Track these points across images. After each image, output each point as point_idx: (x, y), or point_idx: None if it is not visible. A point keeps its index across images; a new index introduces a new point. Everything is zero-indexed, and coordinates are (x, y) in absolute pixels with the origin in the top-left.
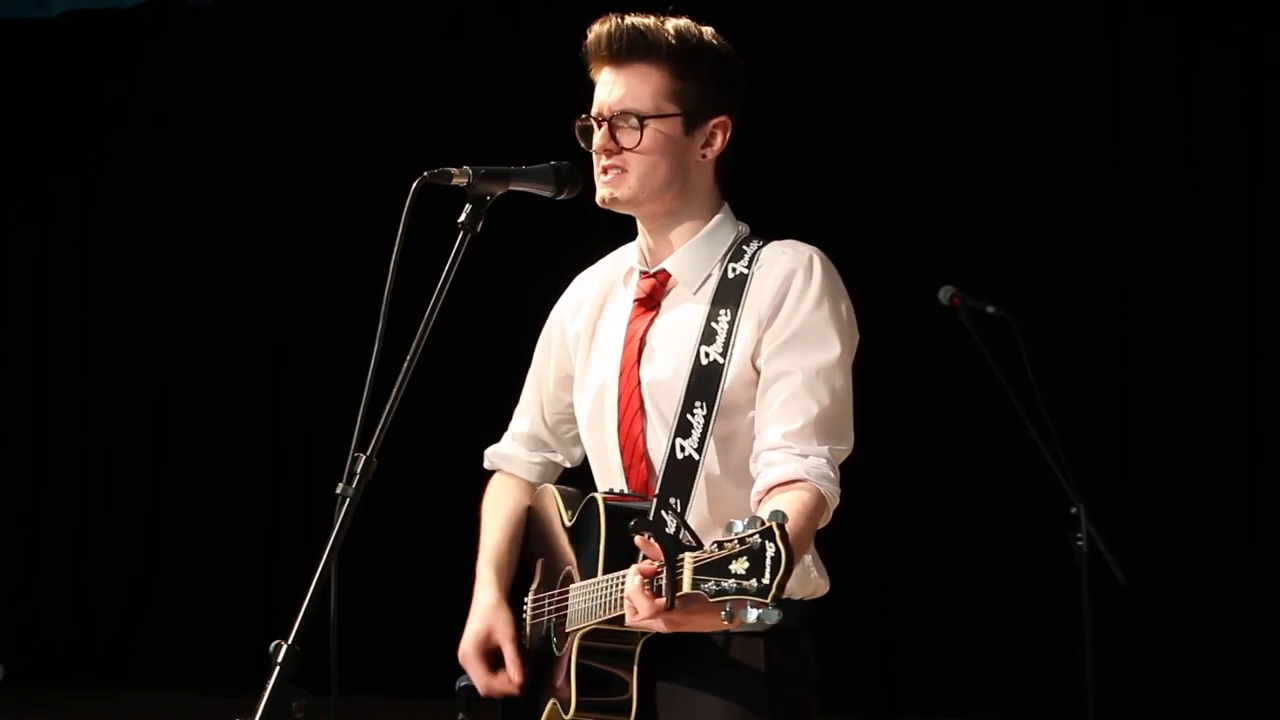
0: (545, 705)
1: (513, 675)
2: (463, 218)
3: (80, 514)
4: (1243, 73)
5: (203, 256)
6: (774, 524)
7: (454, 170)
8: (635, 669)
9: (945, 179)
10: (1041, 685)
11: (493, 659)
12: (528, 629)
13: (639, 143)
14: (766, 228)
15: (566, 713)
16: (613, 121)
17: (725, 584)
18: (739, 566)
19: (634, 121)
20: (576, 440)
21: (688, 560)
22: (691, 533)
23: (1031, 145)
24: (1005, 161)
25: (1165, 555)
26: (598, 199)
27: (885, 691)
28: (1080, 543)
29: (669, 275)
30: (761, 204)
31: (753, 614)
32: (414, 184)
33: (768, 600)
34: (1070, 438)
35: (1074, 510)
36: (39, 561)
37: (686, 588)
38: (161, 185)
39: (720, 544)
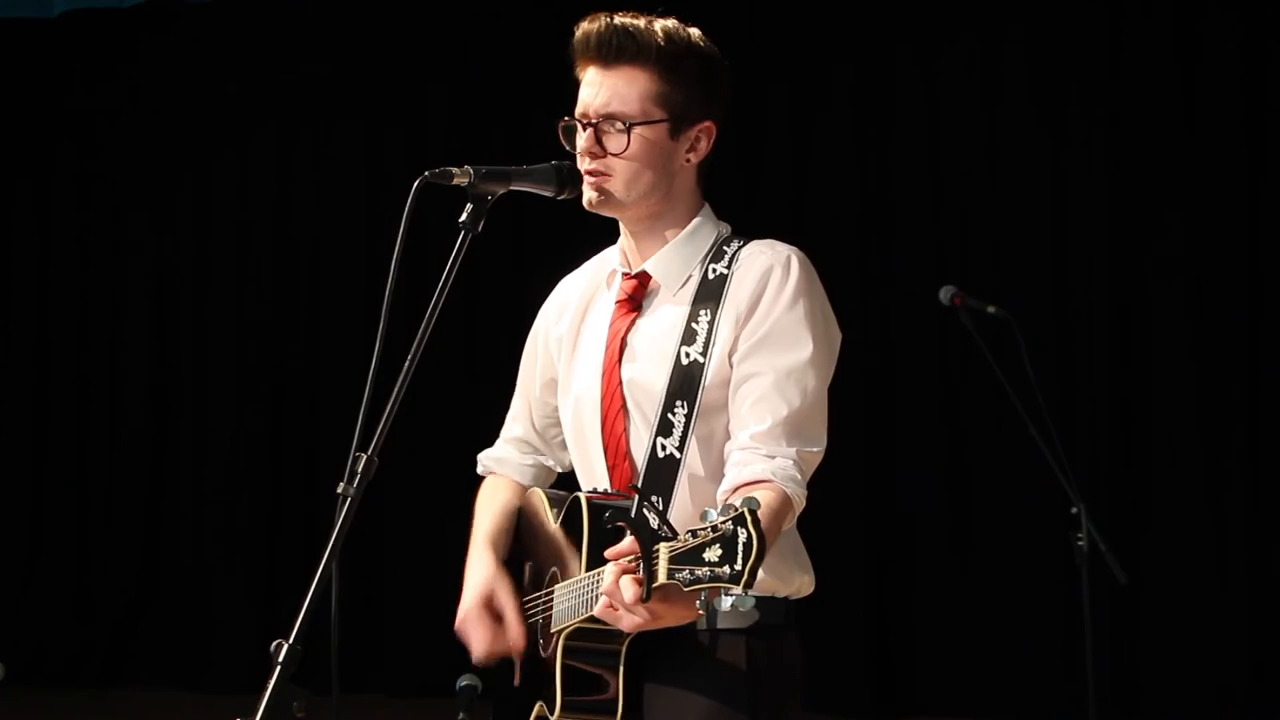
0: (533, 707)
1: (514, 634)
2: (464, 217)
3: (80, 514)
4: (1244, 76)
5: (203, 256)
6: (745, 510)
7: (455, 170)
8: (621, 668)
9: (945, 179)
10: (1041, 685)
11: (495, 622)
12: None
13: (625, 148)
14: (766, 228)
15: (552, 713)
16: (598, 125)
17: (699, 572)
18: (712, 554)
19: (620, 125)
20: (565, 445)
21: (663, 550)
22: (669, 526)
23: (1032, 145)
24: (1005, 161)
25: (1165, 555)
26: (584, 202)
27: (885, 691)
28: (1080, 543)
29: (650, 276)
30: (761, 204)
31: (726, 602)
32: (415, 184)
33: (739, 587)
34: (1071, 438)
35: (1074, 510)
36: (39, 562)
37: (662, 578)
38: (162, 184)
39: (694, 533)
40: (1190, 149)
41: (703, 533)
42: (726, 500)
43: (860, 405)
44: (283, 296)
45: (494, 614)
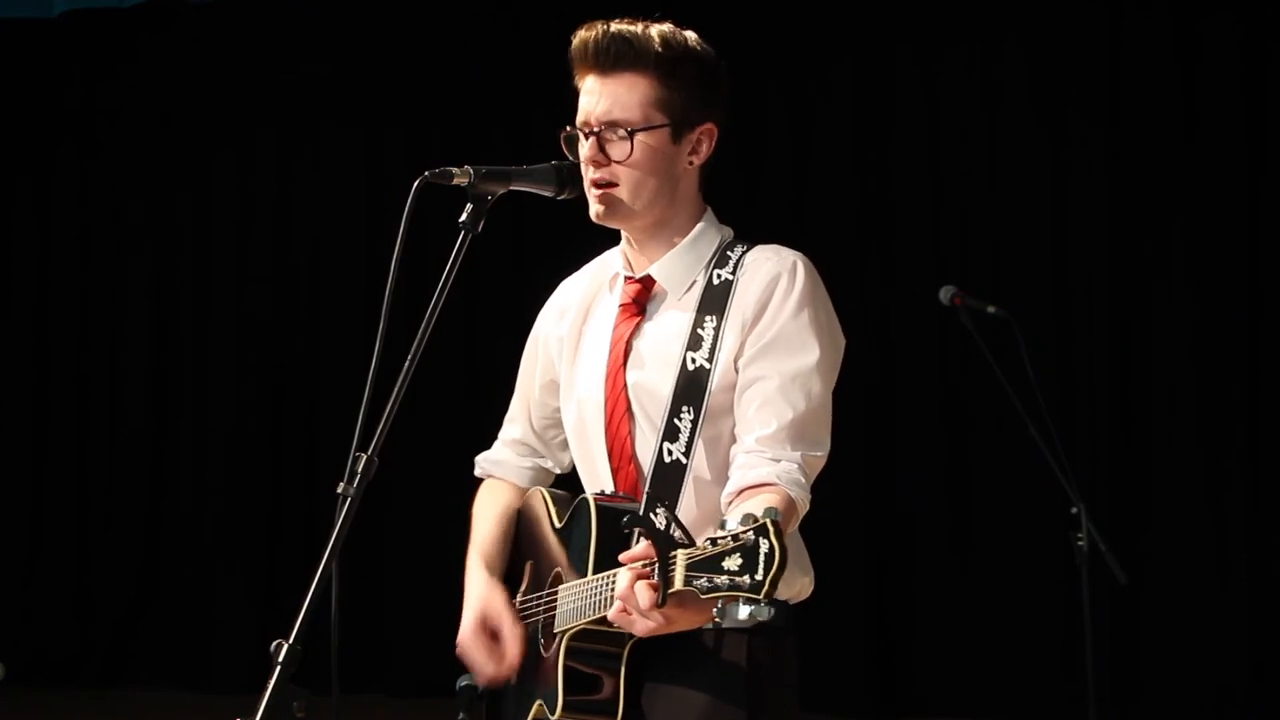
0: (532, 706)
1: (510, 655)
2: (464, 217)
3: (80, 514)
4: (1244, 77)
5: (203, 256)
6: (768, 520)
7: (455, 170)
8: (623, 670)
9: (945, 179)
10: (1041, 685)
11: (492, 643)
12: None
13: (629, 155)
14: (767, 229)
15: (553, 713)
16: (601, 134)
17: (718, 580)
18: (732, 563)
19: (622, 133)
20: (565, 446)
21: (680, 557)
22: (684, 530)
23: (1032, 145)
24: (1005, 161)
25: (1165, 555)
26: (592, 215)
27: (885, 691)
28: (1080, 543)
29: (654, 281)
30: (762, 205)
31: (744, 610)
32: (415, 184)
33: (760, 597)
34: (1071, 438)
35: (1074, 510)
36: (39, 561)
37: (679, 584)
38: (162, 184)
39: (713, 540)
40: (1190, 149)
41: (723, 541)
42: (730, 504)
43: (860, 405)
44: (283, 296)
45: (491, 636)
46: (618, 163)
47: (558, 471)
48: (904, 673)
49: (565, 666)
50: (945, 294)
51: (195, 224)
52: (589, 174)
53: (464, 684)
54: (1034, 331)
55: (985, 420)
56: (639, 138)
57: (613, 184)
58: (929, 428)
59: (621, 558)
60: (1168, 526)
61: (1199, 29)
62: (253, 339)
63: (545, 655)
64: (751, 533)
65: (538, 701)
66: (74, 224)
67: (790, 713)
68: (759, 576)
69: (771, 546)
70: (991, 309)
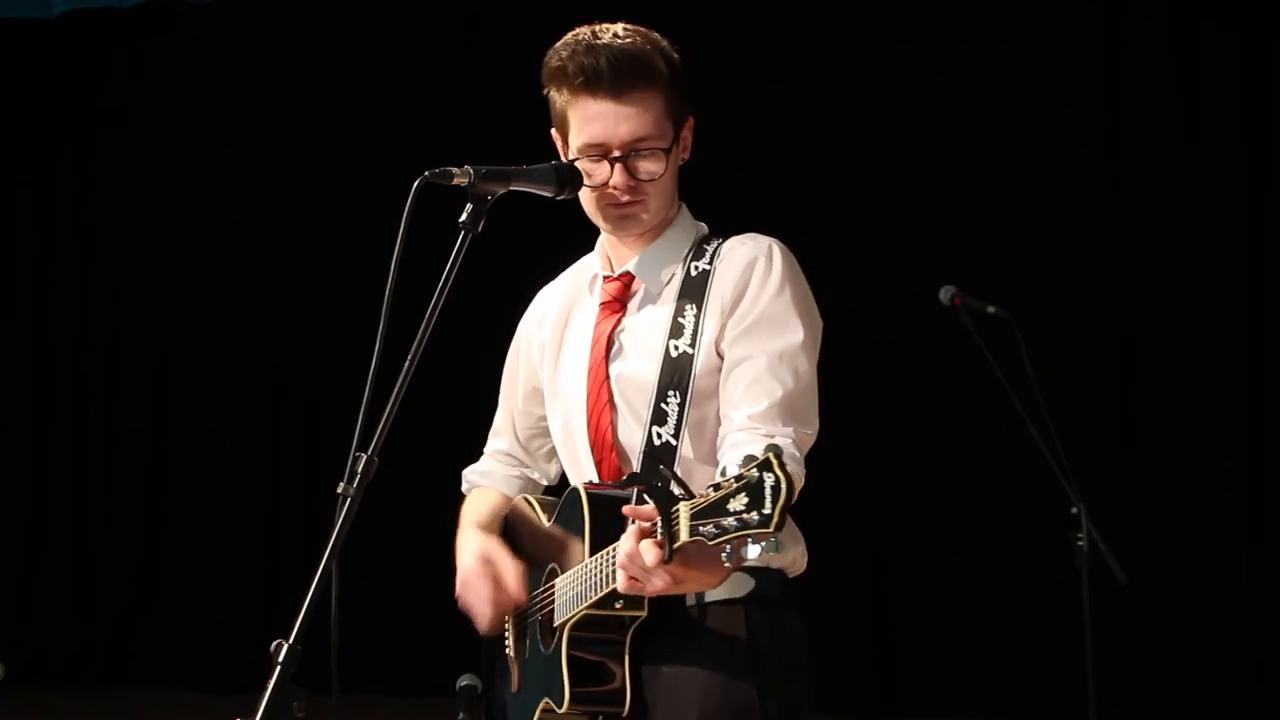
0: (537, 706)
1: (514, 589)
2: (464, 217)
3: (80, 514)
4: (1244, 77)
5: (203, 255)
6: (770, 455)
7: (455, 170)
8: (626, 658)
9: (945, 179)
10: (1041, 685)
11: (494, 579)
12: (512, 638)
13: (663, 173)
14: (767, 229)
15: (560, 706)
16: (628, 159)
17: (725, 523)
18: (738, 503)
19: (647, 151)
20: (550, 456)
21: (683, 509)
22: (685, 486)
23: (1032, 145)
24: (1005, 161)
25: (1165, 555)
26: (611, 230)
27: (885, 691)
28: (1080, 543)
29: (633, 277)
30: (761, 204)
31: (754, 550)
32: (415, 184)
33: (770, 529)
34: (1071, 438)
35: (1074, 510)
36: (39, 562)
37: (684, 536)
38: (161, 184)
39: (715, 486)
40: (1190, 148)
41: (725, 485)
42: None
43: (860, 405)
44: (283, 297)
45: (492, 574)
46: (649, 182)
47: (544, 483)
48: (904, 673)
49: (569, 656)
50: (945, 294)
51: (195, 224)
52: (613, 196)
53: (464, 684)
54: (1034, 331)
55: (985, 420)
56: (670, 156)
57: (638, 201)
58: (929, 428)
59: (625, 510)
60: (1168, 526)
61: (1199, 29)
62: (253, 339)
63: (546, 652)
64: (755, 469)
65: (544, 699)
66: (74, 224)
67: (803, 686)
68: (766, 510)
69: (777, 479)
70: (991, 309)
